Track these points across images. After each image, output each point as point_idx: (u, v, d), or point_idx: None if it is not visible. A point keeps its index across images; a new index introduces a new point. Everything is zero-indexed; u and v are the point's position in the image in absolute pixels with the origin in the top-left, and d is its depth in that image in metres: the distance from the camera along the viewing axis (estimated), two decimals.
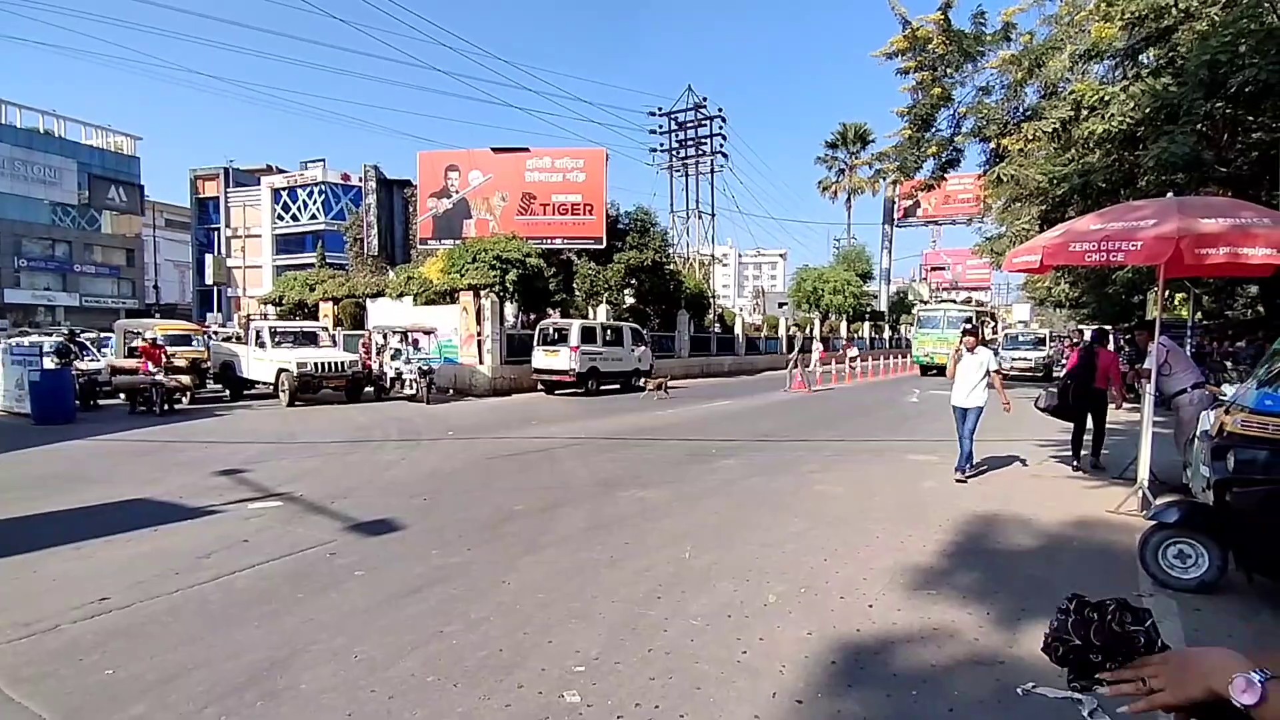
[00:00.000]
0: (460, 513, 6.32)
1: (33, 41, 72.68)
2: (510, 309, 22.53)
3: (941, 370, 22.84)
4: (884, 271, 50.46)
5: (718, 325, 32.72)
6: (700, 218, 33.87)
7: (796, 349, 25.30)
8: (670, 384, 19.17)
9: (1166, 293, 12.09)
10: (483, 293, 19.64)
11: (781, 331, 38.56)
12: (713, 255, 35.13)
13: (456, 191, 26.47)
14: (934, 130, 9.90)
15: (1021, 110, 9.33)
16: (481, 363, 19.28)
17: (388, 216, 28.23)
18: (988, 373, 7.60)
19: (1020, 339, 27.69)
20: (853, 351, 30.96)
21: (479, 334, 19.31)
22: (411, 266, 24.72)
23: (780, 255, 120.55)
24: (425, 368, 16.22)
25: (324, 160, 55.50)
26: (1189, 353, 9.84)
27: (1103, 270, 19.21)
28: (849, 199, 50.69)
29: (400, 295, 21.70)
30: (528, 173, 26.15)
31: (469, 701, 3.00)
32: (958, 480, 7.56)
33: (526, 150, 26.40)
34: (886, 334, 48.88)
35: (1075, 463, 8.46)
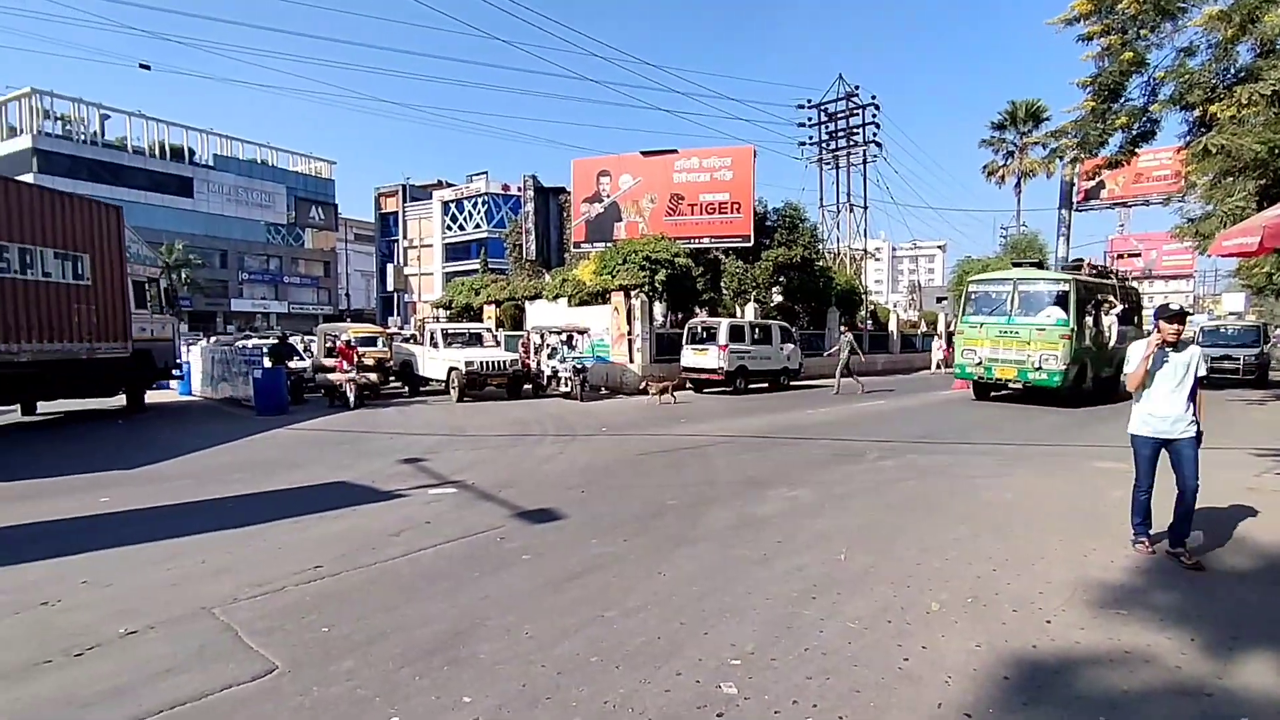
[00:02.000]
0: (615, 505, 6.58)
1: (252, 84, 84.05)
2: (659, 308, 22.97)
3: (1002, 389, 15.56)
4: (1060, 261, 45.83)
5: (870, 322, 31.37)
6: (851, 211, 32.67)
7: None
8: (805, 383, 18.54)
9: None
10: (633, 293, 20.18)
11: (940, 328, 36.24)
12: (865, 250, 33.72)
13: (608, 196, 27.36)
14: (1123, 100, 8.93)
15: (1233, 72, 8.18)
16: (632, 361, 19.81)
17: (544, 222, 29.72)
18: (1197, 381, 4.90)
19: (1226, 332, 22.22)
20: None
21: (629, 333, 19.87)
22: (566, 269, 25.88)
23: (939, 247, 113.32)
24: (579, 366, 16.71)
25: (486, 173, 59.49)
26: None
27: None
28: (1019, 183, 46.50)
29: (555, 297, 22.80)
30: (676, 174, 26.48)
31: (630, 683, 3.15)
32: (1170, 555, 4.90)
33: (674, 152, 26.75)
34: None
35: None
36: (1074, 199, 45.87)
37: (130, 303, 13.63)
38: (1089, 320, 14.47)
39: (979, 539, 5.37)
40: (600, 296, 21.08)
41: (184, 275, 46.28)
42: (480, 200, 58.08)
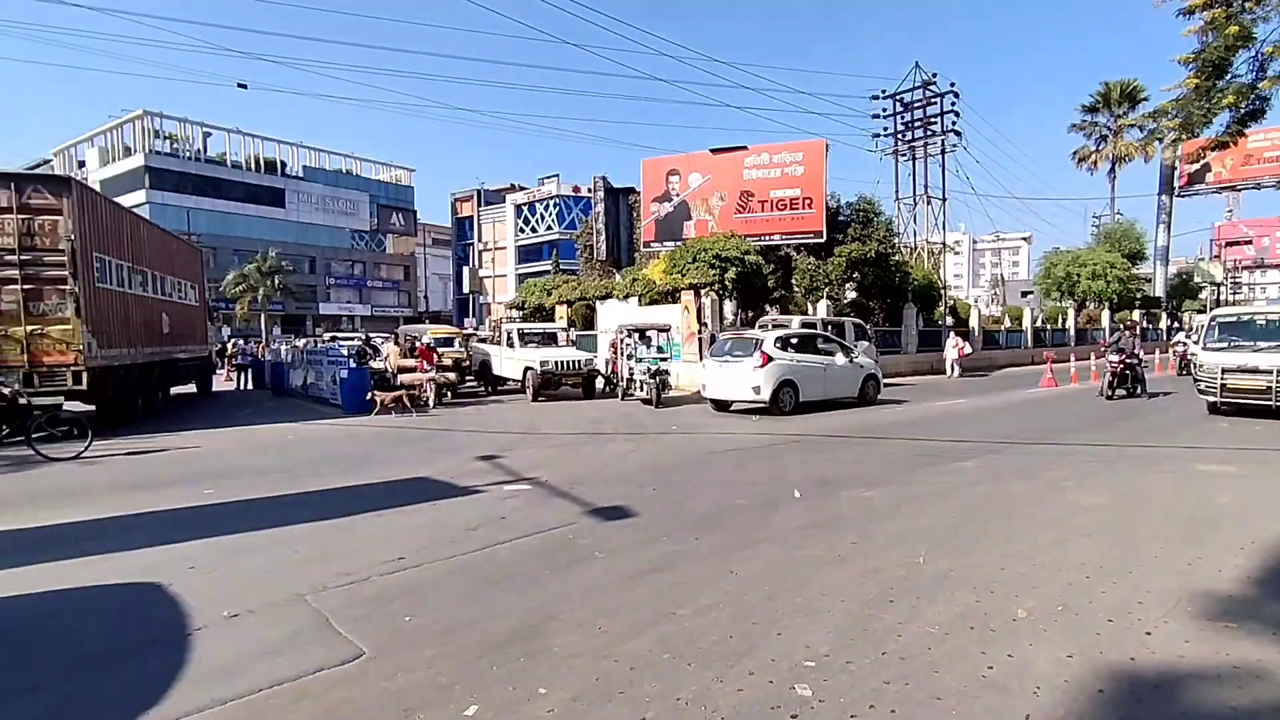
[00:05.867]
0: (685, 503, 6.58)
1: (338, 97, 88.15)
2: (729, 306, 22.80)
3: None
4: (1160, 250, 42.95)
5: (949, 318, 30.22)
6: (929, 203, 31.45)
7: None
8: (883, 382, 16.21)
9: None
10: (703, 291, 20.11)
11: (1026, 323, 34.58)
12: (943, 243, 32.37)
13: (677, 195, 27.34)
14: (1228, 77, 8.30)
15: None
16: (701, 359, 19.73)
17: (614, 223, 29.96)
18: None
19: (1257, 326, 17.80)
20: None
21: (699, 332, 19.81)
22: (636, 269, 26.01)
23: (1024, 239, 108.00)
24: (654, 368, 15.65)
25: (558, 175, 60.44)
26: None
27: None
28: (1112, 169, 43.88)
29: (626, 296, 22.95)
30: (746, 170, 26.20)
31: (702, 681, 3.15)
32: None
33: (744, 148, 26.46)
34: (1164, 323, 41.43)
35: None
36: (1175, 184, 43.04)
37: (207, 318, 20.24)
38: None
39: (1069, 544, 5.10)
40: (670, 296, 21.10)
41: (277, 281, 48.88)
42: (552, 202, 59.08)
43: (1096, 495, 6.61)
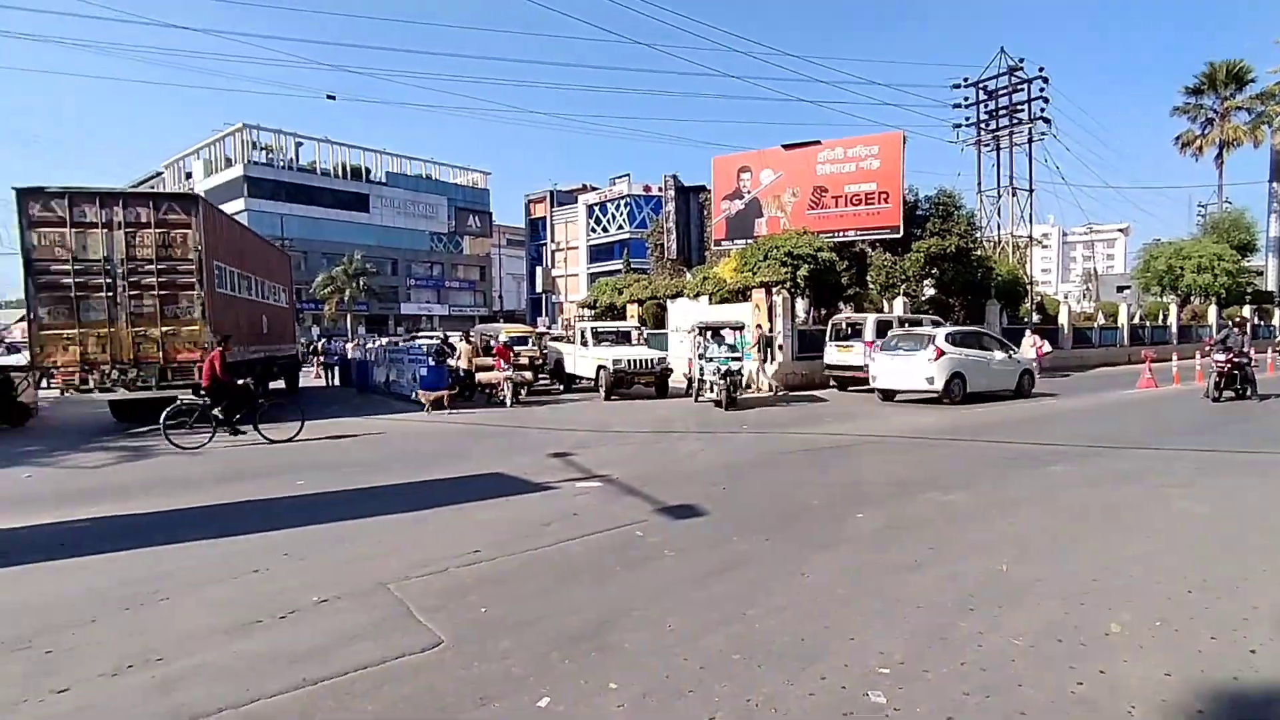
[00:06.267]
0: (756, 503, 6.53)
1: (418, 105, 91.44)
2: (801, 305, 22.41)
3: None
4: (1272, 242, 39.60)
5: (1036, 315, 28.76)
6: (1015, 195, 30.01)
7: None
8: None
9: None
10: (774, 289, 19.85)
11: (1122, 320, 32.57)
12: (1030, 236, 30.83)
13: (748, 192, 27.05)
14: None
15: None
16: (766, 359, 19.46)
17: (684, 221, 29.93)
18: None
19: None
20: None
21: (770, 330, 19.54)
22: (706, 267, 25.90)
23: (1120, 230, 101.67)
24: (724, 367, 14.64)
25: (629, 175, 60.89)
26: None
27: None
28: (1219, 154, 40.72)
29: (696, 295, 22.89)
30: (819, 165, 25.67)
31: (773, 683, 3.12)
32: None
33: (817, 143, 25.92)
34: (1277, 319, 38.11)
35: None
36: None
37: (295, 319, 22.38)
38: None
39: (1168, 555, 4.80)
40: (741, 294, 20.90)
41: (361, 283, 51.22)
42: (623, 202, 59.53)
43: (1200, 504, 6.18)
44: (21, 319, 42.56)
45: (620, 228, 59.20)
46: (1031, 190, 29.74)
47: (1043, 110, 28.79)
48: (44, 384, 12.80)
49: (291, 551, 5.18)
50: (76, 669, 3.36)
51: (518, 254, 74.05)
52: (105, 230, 11.99)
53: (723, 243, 27.52)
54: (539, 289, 64.35)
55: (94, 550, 5.28)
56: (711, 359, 15.24)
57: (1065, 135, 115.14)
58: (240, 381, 11.07)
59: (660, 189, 34.97)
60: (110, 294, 12.03)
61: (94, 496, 7.27)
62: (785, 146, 26.55)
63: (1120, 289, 42.63)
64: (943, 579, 4.42)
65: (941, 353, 14.36)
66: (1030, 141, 29.11)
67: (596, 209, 62.09)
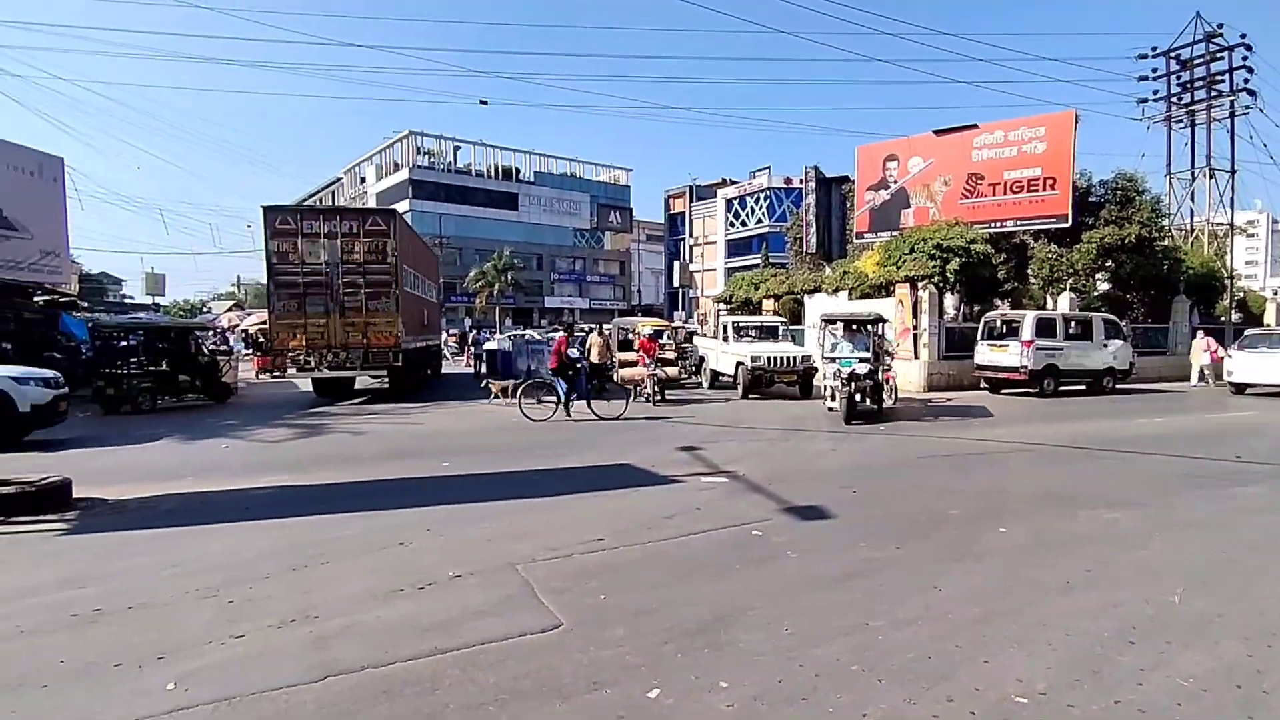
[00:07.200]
0: (888, 509, 6.23)
1: (564, 106, 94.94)
2: (950, 300, 21.03)
3: None
4: None
5: (1236, 313, 25.14)
6: (1213, 176, 26.36)
7: None
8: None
9: None
10: (920, 284, 18.75)
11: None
12: (1231, 223, 26.93)
13: (895, 181, 25.71)
14: None
15: None
16: (916, 358, 18.43)
17: (825, 214, 28.95)
18: None
19: None
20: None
21: (915, 328, 18.50)
22: (847, 261, 24.93)
23: None
24: (847, 370, 12.06)
25: (769, 167, 59.82)
26: None
27: None
28: None
29: (835, 290, 22.10)
30: (975, 151, 23.89)
31: (893, 700, 2.97)
32: None
33: (974, 127, 24.13)
34: None
35: None
36: None
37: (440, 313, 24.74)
38: None
39: None
40: (883, 289, 19.92)
41: (510, 278, 54.13)
42: (762, 195, 58.58)
43: None
44: (230, 309, 49.00)
45: (759, 221, 58.30)
46: (1234, 171, 26.04)
47: (1246, 81, 25.12)
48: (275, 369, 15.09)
49: (433, 528, 5.58)
50: (250, 619, 3.81)
51: (656, 249, 75.01)
52: (326, 239, 14.54)
53: (865, 235, 26.39)
54: (676, 283, 64.87)
55: (271, 515, 5.97)
56: (834, 359, 12.85)
57: (1273, 109, 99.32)
58: (578, 365, 12.84)
59: (801, 181, 34.04)
60: (327, 291, 14.56)
61: (274, 468, 8.22)
62: (937, 132, 24.98)
63: None
64: (1099, 606, 3.99)
65: None
66: (1232, 116, 25.47)
67: (735, 203, 61.51)
